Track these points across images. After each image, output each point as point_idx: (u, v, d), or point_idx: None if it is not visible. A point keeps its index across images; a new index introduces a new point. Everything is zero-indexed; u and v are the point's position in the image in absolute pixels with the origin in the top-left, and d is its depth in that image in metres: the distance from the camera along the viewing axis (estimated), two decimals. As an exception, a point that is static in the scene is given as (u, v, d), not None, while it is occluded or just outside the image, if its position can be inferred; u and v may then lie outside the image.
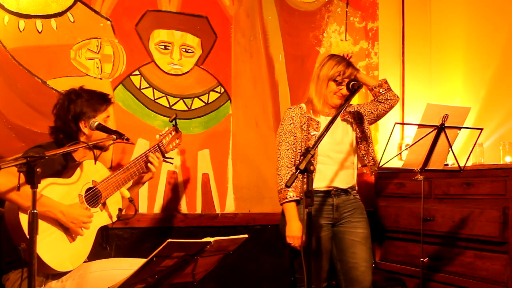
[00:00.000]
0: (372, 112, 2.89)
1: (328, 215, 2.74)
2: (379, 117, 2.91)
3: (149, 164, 2.53)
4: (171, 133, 2.66)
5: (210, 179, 3.47)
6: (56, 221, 2.17)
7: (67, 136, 2.43)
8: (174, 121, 2.70)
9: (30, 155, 1.84)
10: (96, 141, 2.34)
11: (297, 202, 2.70)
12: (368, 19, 4.03)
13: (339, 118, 2.80)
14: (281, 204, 2.73)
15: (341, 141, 2.77)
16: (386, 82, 2.89)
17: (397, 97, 2.89)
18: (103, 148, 2.45)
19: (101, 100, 2.48)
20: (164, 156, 2.63)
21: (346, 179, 2.78)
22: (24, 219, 2.04)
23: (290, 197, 2.67)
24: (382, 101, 2.87)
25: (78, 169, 2.30)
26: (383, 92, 2.86)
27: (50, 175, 2.22)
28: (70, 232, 2.21)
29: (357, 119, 2.85)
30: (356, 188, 2.86)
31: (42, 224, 2.11)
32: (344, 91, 2.71)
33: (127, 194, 2.44)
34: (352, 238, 2.73)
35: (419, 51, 4.13)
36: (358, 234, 2.73)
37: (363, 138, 2.83)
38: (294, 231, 2.65)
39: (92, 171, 2.35)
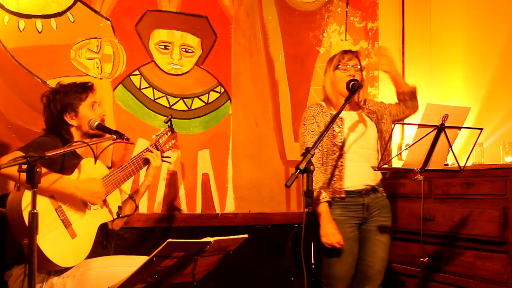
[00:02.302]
0: (398, 115, 2.88)
1: (357, 215, 2.73)
2: (402, 119, 2.92)
3: (148, 156, 2.56)
4: (166, 134, 2.71)
5: (210, 179, 3.47)
6: (58, 216, 2.19)
7: (59, 134, 2.47)
8: (169, 122, 2.74)
9: (30, 155, 1.85)
10: (96, 141, 2.36)
11: (329, 203, 2.69)
12: (368, 19, 4.03)
13: (362, 113, 2.82)
14: (312, 206, 2.74)
15: (367, 136, 2.76)
16: (416, 90, 2.89)
17: (418, 107, 2.90)
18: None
19: (81, 88, 2.50)
20: (161, 156, 2.66)
21: (374, 175, 2.76)
22: (27, 216, 2.05)
23: (323, 198, 2.67)
24: (409, 107, 2.86)
25: (79, 166, 2.31)
26: (412, 100, 2.86)
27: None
28: (71, 228, 2.23)
29: (383, 117, 2.84)
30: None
31: (43, 220, 2.12)
32: (352, 72, 2.73)
33: (128, 191, 2.49)
34: (377, 237, 2.73)
35: (419, 51, 4.12)
36: (383, 234, 2.74)
37: (384, 136, 2.82)
38: (328, 230, 2.64)
39: (91, 169, 2.37)
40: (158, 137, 2.68)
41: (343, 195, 2.70)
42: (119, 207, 2.45)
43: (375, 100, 2.95)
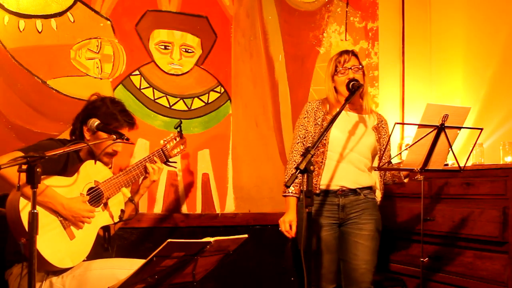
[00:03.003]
0: (379, 146, 2.82)
1: (332, 215, 2.74)
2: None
3: (148, 166, 2.57)
4: (175, 139, 2.71)
5: (210, 179, 3.47)
6: (57, 216, 2.20)
7: (73, 136, 2.48)
8: (179, 127, 2.74)
9: (30, 155, 1.85)
10: (96, 141, 2.35)
11: (298, 198, 2.77)
12: (368, 19, 4.03)
13: (359, 117, 2.81)
14: (283, 196, 2.82)
15: (360, 140, 2.76)
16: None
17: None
18: (112, 154, 2.49)
19: (122, 117, 2.46)
20: (168, 161, 2.66)
21: (357, 179, 2.75)
22: (25, 216, 2.07)
23: (291, 192, 2.77)
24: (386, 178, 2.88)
25: (81, 168, 2.32)
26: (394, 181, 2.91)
27: (50, 172, 2.24)
28: (70, 229, 2.23)
29: (380, 132, 2.85)
30: (375, 188, 2.81)
31: (42, 220, 2.12)
32: (350, 74, 2.72)
33: (128, 194, 2.47)
34: (356, 239, 2.73)
35: (419, 51, 4.12)
36: (363, 236, 2.73)
37: (382, 146, 2.83)
38: (283, 218, 2.75)
39: (94, 171, 2.37)
40: (166, 142, 2.68)
41: (317, 191, 2.72)
42: (122, 211, 2.45)
43: (388, 130, 2.91)
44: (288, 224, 2.72)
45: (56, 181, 2.22)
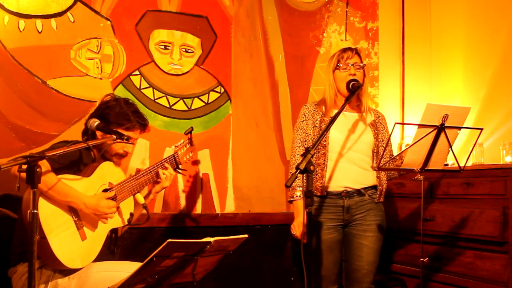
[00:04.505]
0: (376, 142, 2.80)
1: (337, 216, 2.73)
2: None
3: (160, 173, 2.57)
4: (186, 146, 2.70)
5: (210, 179, 3.47)
6: (72, 216, 2.21)
7: (85, 136, 2.47)
8: (189, 133, 2.72)
9: (30, 154, 1.85)
10: (95, 142, 2.35)
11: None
12: (368, 19, 4.03)
13: (357, 116, 2.81)
14: (289, 202, 2.81)
15: (360, 140, 2.75)
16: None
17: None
18: (122, 155, 2.48)
19: (135, 117, 2.46)
20: (178, 167, 2.65)
21: (360, 179, 2.75)
22: (41, 214, 2.08)
23: (296, 196, 2.74)
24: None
25: (97, 169, 2.33)
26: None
27: (61, 168, 2.25)
28: (83, 230, 2.24)
29: (377, 128, 2.84)
30: (380, 188, 2.79)
31: (57, 219, 2.15)
32: (352, 71, 2.72)
33: (142, 200, 2.48)
34: (361, 241, 2.73)
35: (419, 51, 4.12)
36: (367, 237, 2.73)
37: (381, 142, 2.83)
38: (295, 222, 2.73)
39: (110, 173, 2.39)
40: (177, 148, 2.67)
41: (323, 194, 2.72)
42: (131, 214, 2.45)
43: (386, 125, 2.91)
44: (299, 227, 2.71)
45: (72, 181, 2.23)
